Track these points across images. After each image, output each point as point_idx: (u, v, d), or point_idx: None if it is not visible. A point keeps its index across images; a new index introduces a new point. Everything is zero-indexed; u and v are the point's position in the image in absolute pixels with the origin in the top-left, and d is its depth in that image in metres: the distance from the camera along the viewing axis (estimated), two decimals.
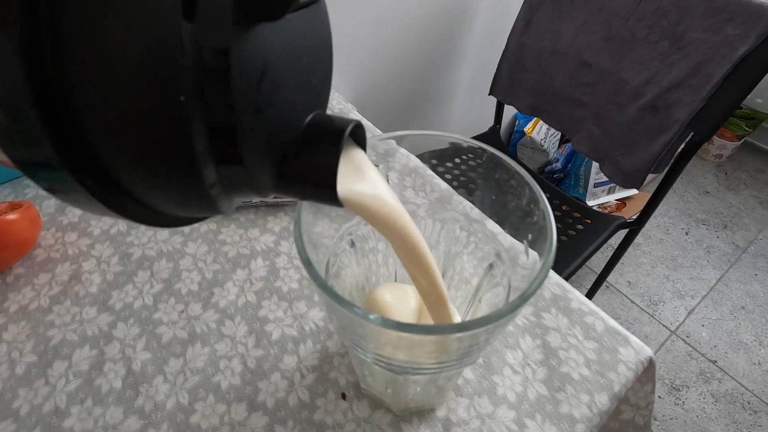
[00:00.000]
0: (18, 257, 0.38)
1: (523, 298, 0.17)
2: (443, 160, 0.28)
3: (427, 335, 0.16)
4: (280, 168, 0.14)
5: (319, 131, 0.15)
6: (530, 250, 0.21)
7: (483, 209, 0.26)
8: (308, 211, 0.23)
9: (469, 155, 0.23)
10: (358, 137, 0.17)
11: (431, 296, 0.20)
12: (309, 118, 0.15)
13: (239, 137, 0.11)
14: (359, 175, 0.17)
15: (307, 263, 0.17)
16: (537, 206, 0.19)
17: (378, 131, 0.54)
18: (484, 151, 0.21)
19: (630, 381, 0.31)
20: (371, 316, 0.16)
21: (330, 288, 0.16)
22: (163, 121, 0.10)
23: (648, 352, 0.32)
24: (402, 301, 0.26)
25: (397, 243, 0.18)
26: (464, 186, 0.27)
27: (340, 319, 0.18)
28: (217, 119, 0.11)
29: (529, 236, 0.21)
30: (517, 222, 0.22)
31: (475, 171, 0.23)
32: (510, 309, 0.16)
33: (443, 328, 0.17)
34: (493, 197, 0.23)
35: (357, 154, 0.17)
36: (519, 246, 0.23)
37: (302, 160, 0.15)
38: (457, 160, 0.25)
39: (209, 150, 0.11)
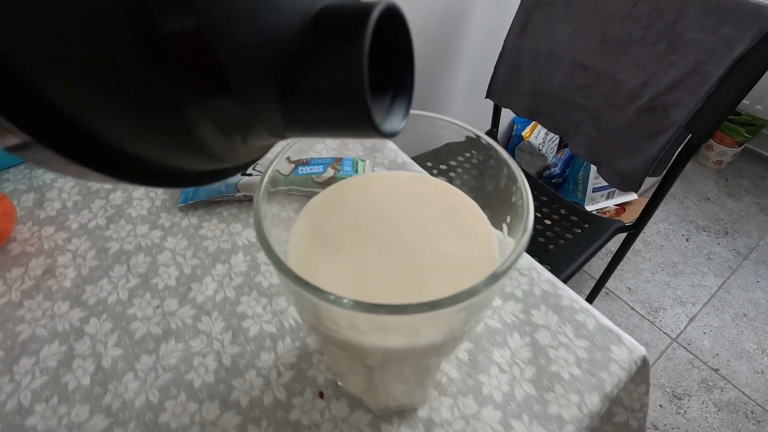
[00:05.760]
0: None
1: (495, 277, 0.16)
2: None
3: (394, 315, 0.14)
4: (281, 85, 0.10)
5: (333, 20, 0.10)
6: (508, 237, 0.20)
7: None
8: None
9: (447, 133, 0.21)
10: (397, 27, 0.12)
11: None
12: (317, 8, 0.11)
13: (208, 36, 0.08)
14: None
15: (267, 248, 0.16)
16: (515, 184, 0.18)
17: None
18: (461, 127, 0.20)
19: (622, 381, 0.30)
20: (345, 300, 0.15)
21: (288, 269, 0.15)
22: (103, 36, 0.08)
23: (641, 351, 0.31)
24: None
25: None
26: (444, 174, 0.26)
27: (302, 302, 0.17)
28: (170, 13, 0.08)
29: (508, 218, 0.19)
30: (497, 205, 0.20)
31: (455, 153, 0.22)
32: (479, 288, 0.15)
33: (414, 307, 0.15)
34: (473, 182, 0.22)
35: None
36: (507, 240, 0.22)
37: (310, 66, 0.10)
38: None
39: (173, 69, 0.08)
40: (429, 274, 0.19)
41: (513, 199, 0.18)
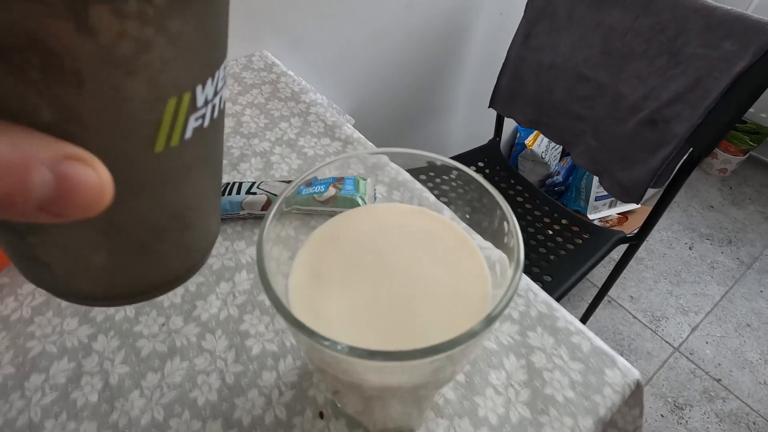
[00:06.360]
0: (2, 267, 0.38)
1: (490, 319, 0.16)
2: (427, 177, 0.27)
3: (392, 362, 0.15)
4: None
5: None
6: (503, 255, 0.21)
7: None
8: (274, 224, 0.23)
9: (444, 176, 0.22)
10: None
11: None
12: None
13: None
14: None
15: (268, 288, 0.17)
16: (508, 225, 0.19)
17: (371, 144, 0.54)
18: (457, 170, 0.21)
19: (616, 404, 0.30)
20: (340, 347, 0.16)
21: (291, 314, 0.16)
22: None
23: (635, 374, 0.32)
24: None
25: None
26: (446, 182, 0.26)
27: (300, 339, 0.18)
28: None
29: (501, 253, 0.20)
30: (491, 240, 0.21)
31: (452, 191, 0.23)
32: (475, 331, 0.16)
33: (410, 353, 0.16)
34: (467, 216, 0.22)
35: None
36: (506, 260, 0.23)
37: None
38: (438, 180, 0.25)
39: None
40: (425, 311, 0.19)
41: (505, 240, 0.19)
